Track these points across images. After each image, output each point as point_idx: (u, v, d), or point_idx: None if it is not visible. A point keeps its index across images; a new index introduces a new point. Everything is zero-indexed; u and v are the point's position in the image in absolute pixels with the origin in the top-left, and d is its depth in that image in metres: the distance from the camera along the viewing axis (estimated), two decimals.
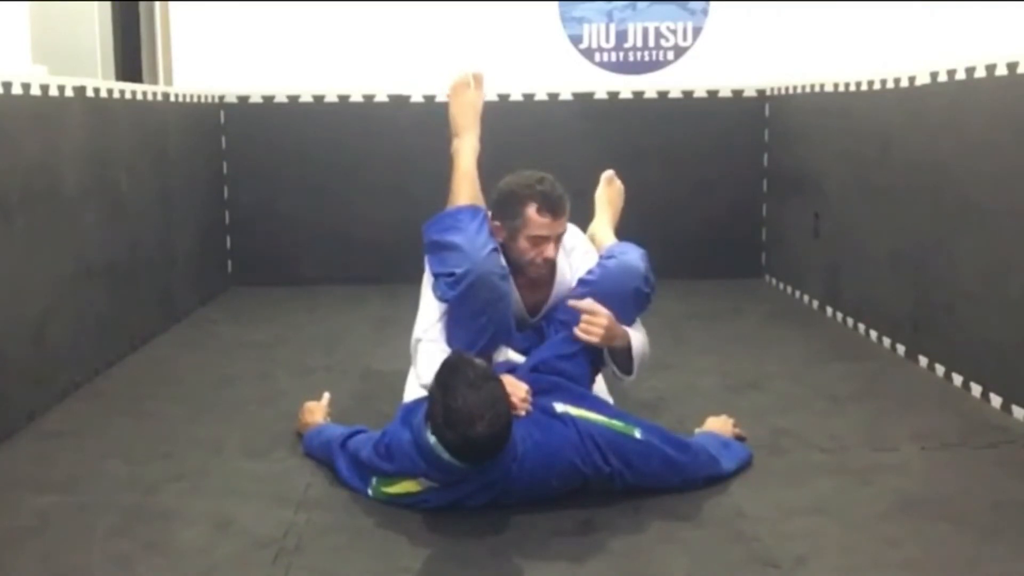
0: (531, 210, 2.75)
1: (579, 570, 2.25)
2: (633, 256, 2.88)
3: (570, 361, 2.76)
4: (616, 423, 2.58)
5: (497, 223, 2.80)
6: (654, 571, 2.25)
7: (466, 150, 3.02)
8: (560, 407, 2.57)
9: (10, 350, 3.11)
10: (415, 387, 2.83)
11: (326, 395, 3.15)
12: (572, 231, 2.97)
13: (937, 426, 3.14)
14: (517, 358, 2.88)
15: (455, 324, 2.74)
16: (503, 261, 2.78)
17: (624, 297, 2.83)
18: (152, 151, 4.42)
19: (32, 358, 3.25)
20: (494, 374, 2.41)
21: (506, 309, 2.78)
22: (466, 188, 2.94)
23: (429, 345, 2.74)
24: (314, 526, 2.46)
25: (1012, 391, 3.22)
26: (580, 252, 2.97)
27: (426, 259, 2.85)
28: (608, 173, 3.39)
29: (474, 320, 2.72)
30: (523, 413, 2.52)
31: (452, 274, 2.70)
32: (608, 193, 3.37)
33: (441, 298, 2.75)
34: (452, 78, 3.11)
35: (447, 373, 2.35)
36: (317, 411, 3.05)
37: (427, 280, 2.84)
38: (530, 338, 2.93)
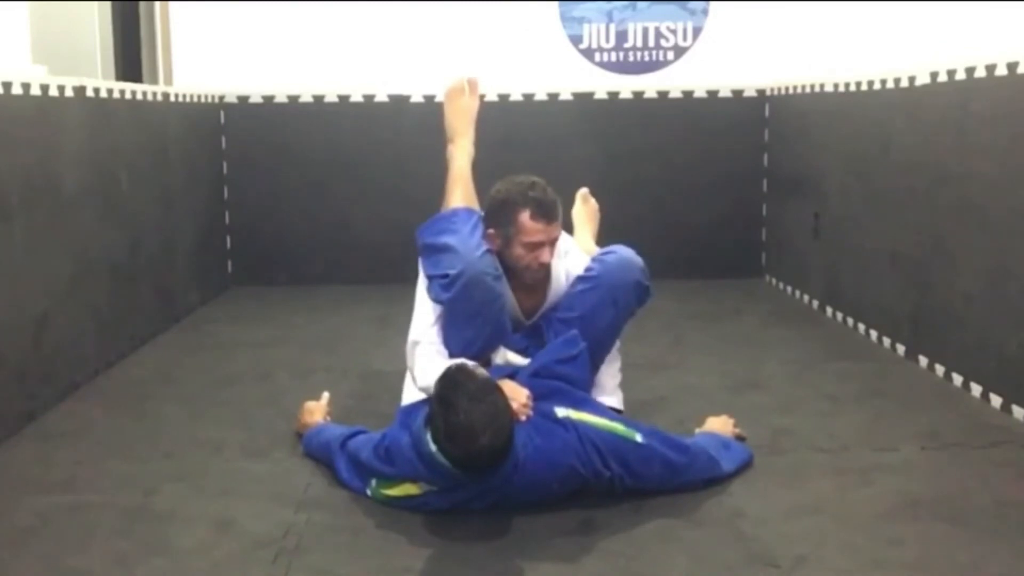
0: (524, 216, 2.74)
1: (579, 570, 2.25)
2: (630, 251, 2.94)
3: (570, 365, 2.75)
4: (617, 427, 2.58)
5: (491, 230, 2.79)
6: (654, 571, 2.25)
7: (461, 155, 3.05)
8: (561, 411, 2.56)
9: (10, 350, 3.11)
10: (413, 389, 2.84)
11: (325, 395, 3.15)
12: (564, 236, 2.98)
13: (937, 426, 3.14)
14: (516, 359, 2.88)
15: (451, 326, 2.74)
16: (496, 262, 2.78)
17: (626, 289, 2.88)
18: (152, 151, 4.42)
19: (32, 358, 3.25)
20: (495, 385, 2.40)
21: (501, 310, 2.78)
22: (459, 191, 2.96)
23: (426, 348, 2.73)
24: (314, 526, 2.46)
25: (1012, 391, 3.22)
26: (575, 255, 2.98)
27: (420, 262, 2.85)
28: (583, 191, 3.41)
29: (470, 322, 2.72)
30: (524, 418, 2.51)
31: (446, 276, 2.70)
32: (585, 211, 3.40)
33: (436, 299, 2.75)
34: (447, 84, 3.13)
35: (447, 386, 2.34)
36: (317, 411, 3.04)
37: (422, 283, 2.84)
38: (528, 337, 2.93)
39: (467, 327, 2.73)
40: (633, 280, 2.89)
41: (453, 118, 3.11)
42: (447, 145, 3.10)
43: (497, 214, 2.79)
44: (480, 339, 2.75)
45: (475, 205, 2.94)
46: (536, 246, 2.77)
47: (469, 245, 2.73)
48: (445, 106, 3.13)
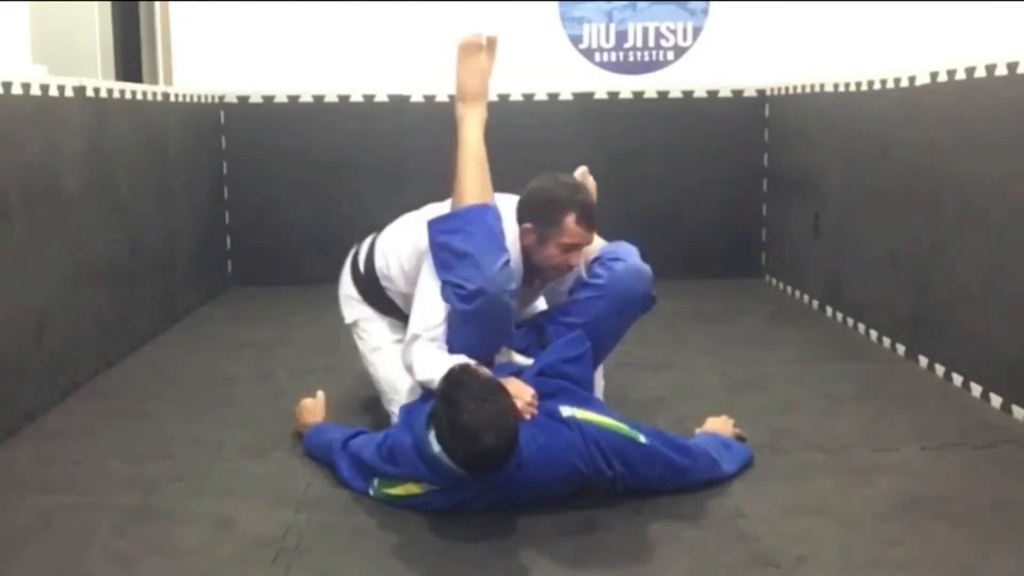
0: (570, 219, 2.71)
1: (579, 570, 2.25)
2: (637, 257, 2.89)
3: (575, 364, 2.74)
4: (621, 427, 2.58)
5: (529, 225, 2.75)
6: (654, 571, 2.25)
7: (473, 120, 2.83)
8: (567, 410, 2.56)
9: (10, 350, 3.11)
10: (396, 394, 2.86)
11: (320, 393, 3.12)
12: None
13: (937, 426, 3.14)
14: (519, 359, 2.87)
15: (458, 330, 2.70)
16: (516, 273, 2.73)
17: (633, 300, 2.84)
18: (152, 151, 4.42)
19: (32, 358, 3.25)
20: (499, 384, 2.40)
21: (511, 322, 2.76)
22: (473, 175, 2.78)
23: (428, 344, 2.71)
24: (314, 526, 2.46)
25: (1012, 391, 3.22)
26: None
27: (431, 256, 2.75)
28: (582, 168, 3.34)
29: (479, 330, 2.69)
30: (528, 417, 2.51)
31: (462, 287, 2.63)
32: None
33: (447, 301, 2.69)
34: (462, 37, 2.88)
35: (452, 386, 2.33)
36: (316, 411, 3.04)
37: (428, 276, 2.75)
38: (529, 336, 2.92)
39: (475, 335, 2.69)
40: (641, 291, 2.84)
41: (466, 77, 2.85)
42: (457, 104, 2.86)
43: (540, 211, 2.74)
44: (486, 346, 2.74)
45: (489, 191, 2.79)
46: (572, 247, 2.75)
47: (488, 257, 2.64)
48: (458, 63, 2.85)
